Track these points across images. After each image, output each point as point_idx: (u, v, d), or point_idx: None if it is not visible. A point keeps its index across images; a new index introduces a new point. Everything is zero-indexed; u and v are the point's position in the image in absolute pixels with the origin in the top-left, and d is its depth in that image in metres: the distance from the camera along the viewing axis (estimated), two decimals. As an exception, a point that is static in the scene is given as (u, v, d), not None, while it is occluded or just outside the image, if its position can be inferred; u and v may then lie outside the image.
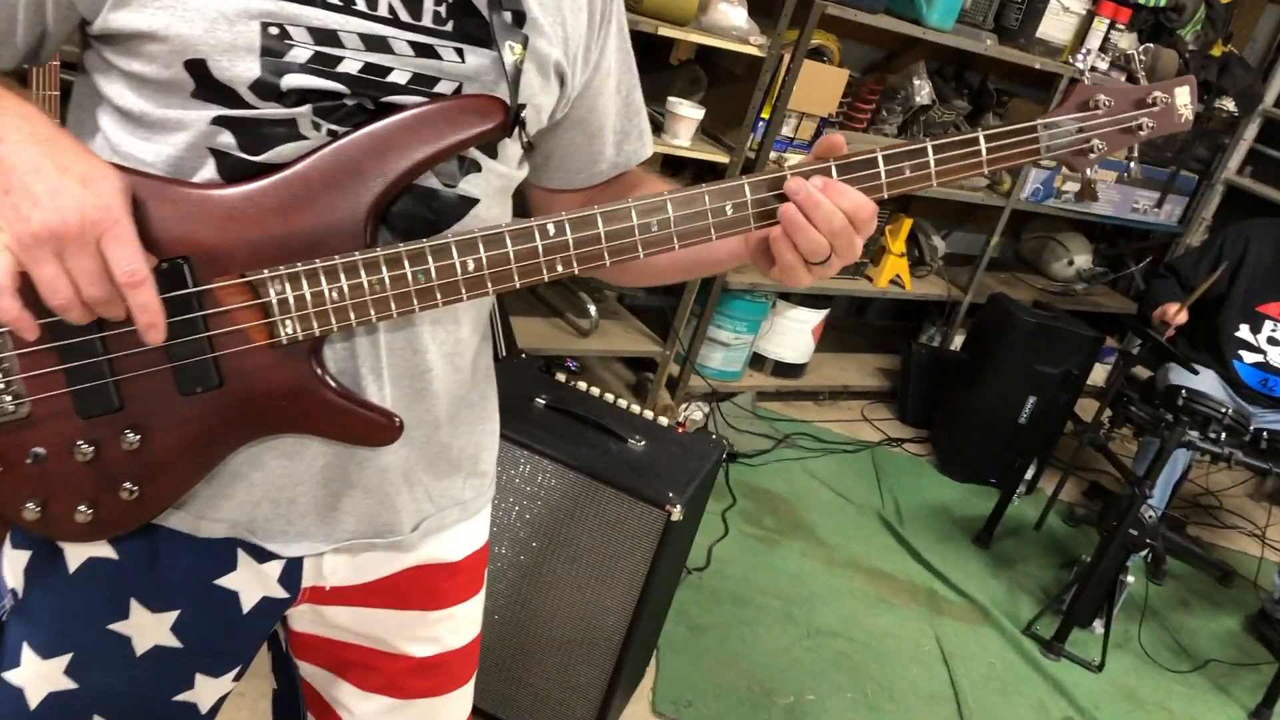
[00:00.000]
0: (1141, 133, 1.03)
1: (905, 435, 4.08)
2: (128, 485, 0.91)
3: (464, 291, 0.92)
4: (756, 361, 3.97)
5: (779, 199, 0.95)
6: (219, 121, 0.87)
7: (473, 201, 0.96)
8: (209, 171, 0.89)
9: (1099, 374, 4.72)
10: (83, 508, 0.91)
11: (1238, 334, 3.42)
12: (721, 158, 3.26)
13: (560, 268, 0.94)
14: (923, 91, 3.85)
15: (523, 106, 0.95)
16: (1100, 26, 3.99)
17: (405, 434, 0.96)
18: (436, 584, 1.09)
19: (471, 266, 0.91)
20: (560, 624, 2.04)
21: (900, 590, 3.10)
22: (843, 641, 2.78)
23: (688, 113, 3.09)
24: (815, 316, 3.94)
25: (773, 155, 3.44)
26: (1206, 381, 3.36)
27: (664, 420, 2.19)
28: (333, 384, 0.92)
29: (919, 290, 4.18)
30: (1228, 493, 4.43)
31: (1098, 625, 3.16)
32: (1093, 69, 4.03)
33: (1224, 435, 2.92)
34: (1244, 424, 2.97)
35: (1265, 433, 3.02)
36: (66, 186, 0.79)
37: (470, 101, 0.91)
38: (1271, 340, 3.40)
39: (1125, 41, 4.16)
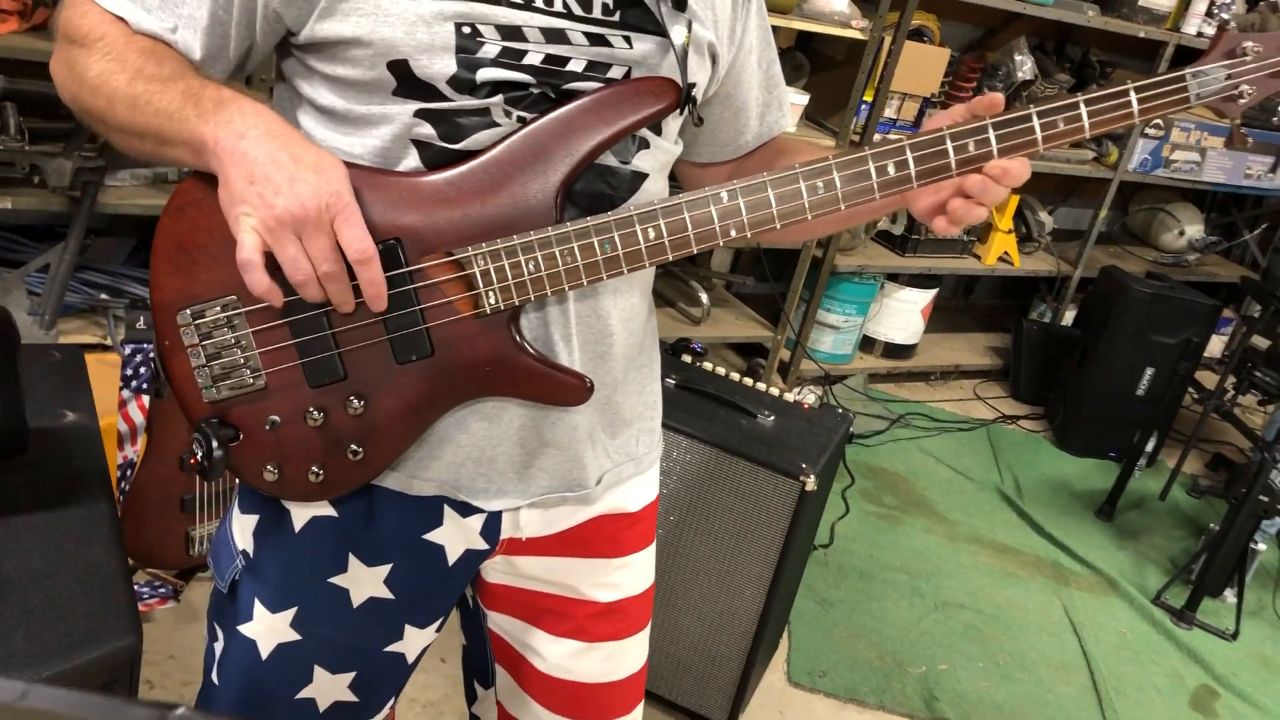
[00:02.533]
0: None
1: (1020, 413, 4.06)
2: (353, 447, 1.01)
3: (646, 259, 1.00)
4: (867, 344, 4.00)
5: (939, 156, 1.01)
6: (420, 115, 0.97)
7: (644, 176, 1.04)
8: (412, 160, 0.98)
9: (1215, 346, 4.63)
10: (315, 468, 1.01)
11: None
12: (827, 141, 3.31)
13: (734, 232, 1.01)
14: (1025, 67, 3.83)
15: (693, 85, 1.03)
16: (1206, -10, 3.93)
17: (592, 394, 1.04)
18: (618, 533, 1.17)
19: (653, 235, 0.99)
20: (699, 596, 2.11)
21: (1025, 563, 3.10)
22: (970, 614, 2.80)
23: (792, 99, 3.13)
24: (924, 297, 3.95)
25: (876, 137, 3.46)
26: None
27: (790, 397, 2.25)
28: (531, 350, 1.01)
29: (1027, 267, 4.16)
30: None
31: (1229, 594, 3.13)
32: (1199, 34, 3.98)
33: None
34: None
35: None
36: (303, 175, 0.89)
37: (645, 83, 0.99)
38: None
39: (1236, 4, 4.09)
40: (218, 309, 0.98)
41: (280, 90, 1.06)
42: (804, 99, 3.18)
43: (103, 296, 2.61)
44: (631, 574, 1.20)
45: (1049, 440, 3.91)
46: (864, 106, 3.40)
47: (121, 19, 0.96)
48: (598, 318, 1.06)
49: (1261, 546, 3.11)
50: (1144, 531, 3.42)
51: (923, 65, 3.50)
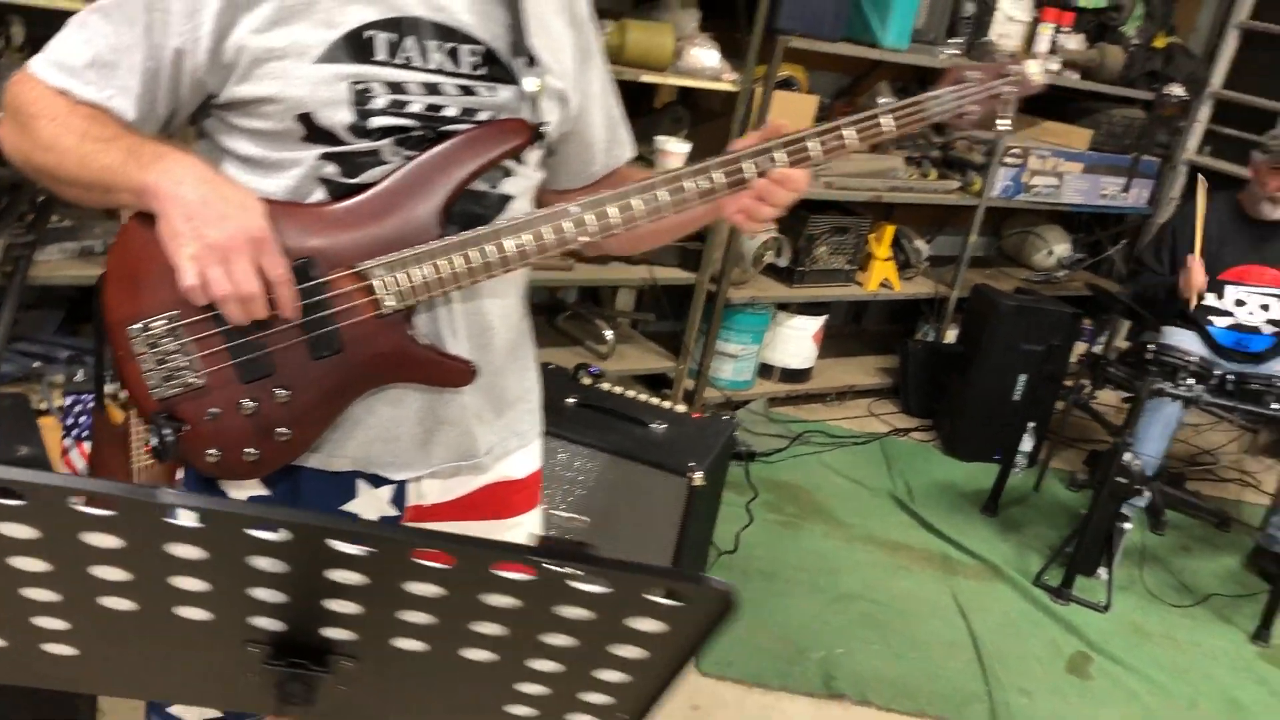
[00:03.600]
0: (1006, 96, 1.34)
1: (911, 425, 4.36)
2: (281, 430, 1.22)
3: (515, 264, 1.24)
4: (765, 370, 4.27)
5: (738, 173, 1.28)
6: (325, 157, 1.20)
7: (510, 198, 1.29)
8: (320, 193, 1.21)
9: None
10: (249, 449, 1.22)
11: (1205, 302, 3.70)
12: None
13: (584, 238, 1.25)
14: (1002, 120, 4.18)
15: (544, 124, 1.28)
16: (1046, 31, 4.34)
17: (476, 377, 1.27)
18: (507, 496, 1.40)
19: (519, 244, 1.23)
20: (609, 591, 2.33)
21: (916, 557, 3.37)
22: (866, 603, 3.05)
23: (674, 149, 3.43)
24: (814, 323, 4.25)
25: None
26: (1191, 343, 3.65)
27: (680, 408, 2.50)
28: (423, 342, 1.24)
29: (908, 290, 4.49)
30: (1224, 450, 4.68)
31: (1103, 572, 3.42)
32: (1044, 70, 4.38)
33: (1192, 382, 3.21)
34: (1208, 370, 3.25)
35: (1230, 375, 3.30)
36: (229, 212, 1.12)
37: (505, 124, 1.24)
38: (1238, 302, 3.68)
39: (1073, 42, 4.51)
40: (162, 322, 1.19)
41: (201, 145, 1.28)
42: (686, 148, 3.47)
43: (36, 365, 2.77)
44: (521, 533, 1.42)
45: (938, 448, 4.21)
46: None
47: (64, 91, 1.18)
48: (479, 315, 1.29)
49: (1128, 526, 3.41)
50: (1026, 523, 3.72)
51: (794, 112, 3.82)
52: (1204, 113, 5.09)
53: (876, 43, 3.87)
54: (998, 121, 1.40)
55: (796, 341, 4.25)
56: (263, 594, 0.62)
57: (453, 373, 1.26)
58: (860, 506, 3.62)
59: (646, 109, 3.76)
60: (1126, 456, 3.25)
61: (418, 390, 1.27)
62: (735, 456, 3.73)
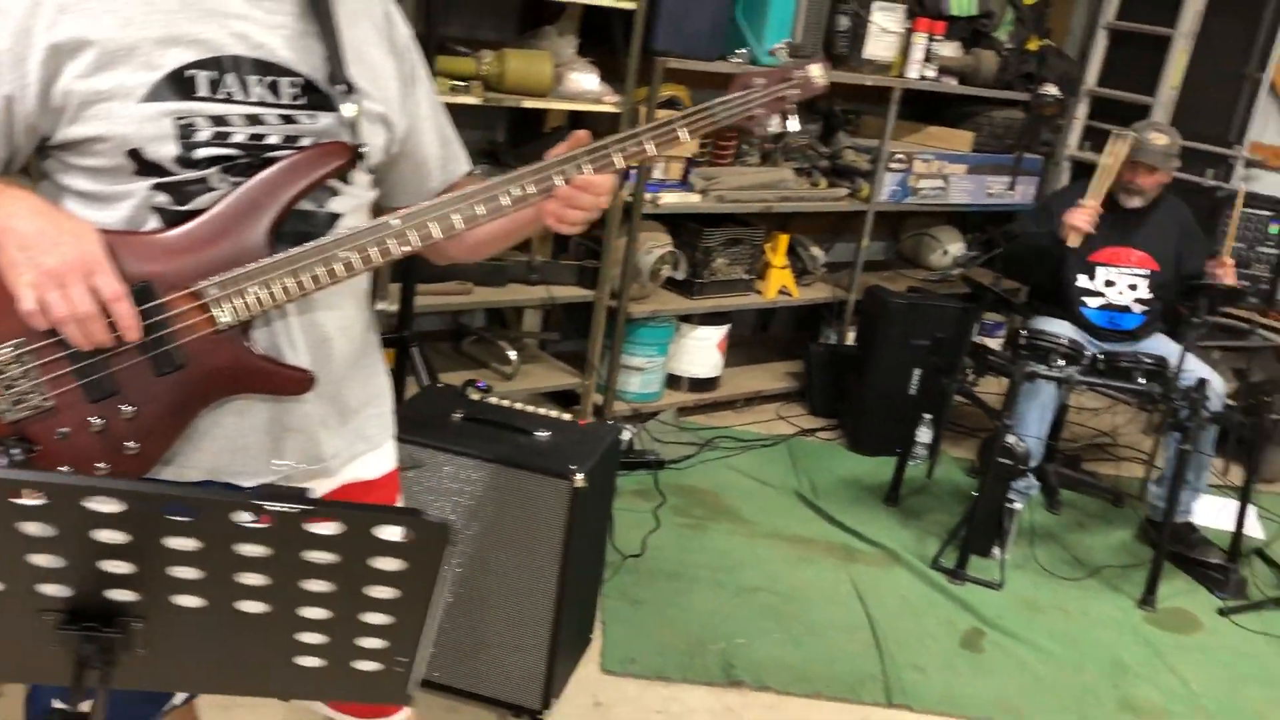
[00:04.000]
0: (790, 99, 1.48)
1: (817, 426, 4.51)
2: (130, 444, 1.30)
3: (343, 274, 1.34)
4: (673, 381, 4.39)
5: (547, 181, 1.39)
6: (156, 187, 1.29)
7: (338, 216, 1.39)
8: (154, 222, 1.30)
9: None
10: (100, 465, 1.30)
11: (1078, 284, 3.89)
12: (601, 203, 3.72)
13: (406, 247, 1.36)
14: (773, 123, 4.34)
15: (360, 146, 1.38)
16: (920, 41, 4.53)
17: (318, 386, 1.36)
18: (361, 496, 1.49)
19: (345, 256, 1.33)
20: (501, 595, 2.42)
21: (818, 549, 3.50)
22: (767, 595, 3.17)
23: (562, 169, 3.55)
24: (717, 333, 4.38)
25: (648, 196, 3.90)
26: (1064, 329, 3.83)
27: (568, 416, 2.60)
28: (260, 354, 1.33)
29: (807, 296, 4.65)
30: (1122, 430, 4.88)
31: (998, 552, 3.58)
32: (921, 77, 4.58)
33: (1063, 363, 3.38)
34: (1078, 351, 3.42)
35: (1100, 354, 3.48)
36: (63, 240, 1.21)
37: (326, 147, 1.34)
38: (1108, 283, 3.87)
39: (948, 49, 4.72)
40: (8, 350, 1.27)
41: (44, 185, 1.36)
42: (573, 168, 3.59)
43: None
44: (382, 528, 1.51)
45: (843, 446, 4.36)
46: (633, 172, 3.84)
47: None
48: (317, 327, 1.38)
49: (1017, 506, 3.57)
50: (925, 511, 3.87)
51: (680, 128, 3.96)
52: (1082, 110, 5.33)
53: (755, 60, 4.03)
54: (786, 122, 1.53)
55: (701, 351, 4.38)
56: (41, 560, 0.71)
57: (291, 382, 1.35)
58: (765, 505, 3.75)
59: (536, 133, 3.88)
60: (1010, 439, 3.41)
61: (263, 401, 1.36)
62: (644, 465, 3.85)
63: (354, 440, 1.48)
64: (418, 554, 0.71)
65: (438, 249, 1.46)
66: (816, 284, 4.78)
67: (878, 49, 4.45)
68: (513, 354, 3.81)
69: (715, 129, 1.48)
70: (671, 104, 4.02)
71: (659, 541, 3.36)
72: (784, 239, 4.49)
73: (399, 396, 3.00)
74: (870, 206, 4.61)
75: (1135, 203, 3.81)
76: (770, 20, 4.00)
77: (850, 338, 4.78)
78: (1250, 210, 4.67)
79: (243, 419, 1.36)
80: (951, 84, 4.76)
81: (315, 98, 1.35)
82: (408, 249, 1.36)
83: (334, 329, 1.41)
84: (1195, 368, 3.53)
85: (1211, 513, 3.89)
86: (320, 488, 1.46)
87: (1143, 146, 3.70)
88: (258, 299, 1.30)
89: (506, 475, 2.35)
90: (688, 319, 4.33)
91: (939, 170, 4.79)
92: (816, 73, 1.51)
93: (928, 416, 4.10)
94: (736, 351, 4.90)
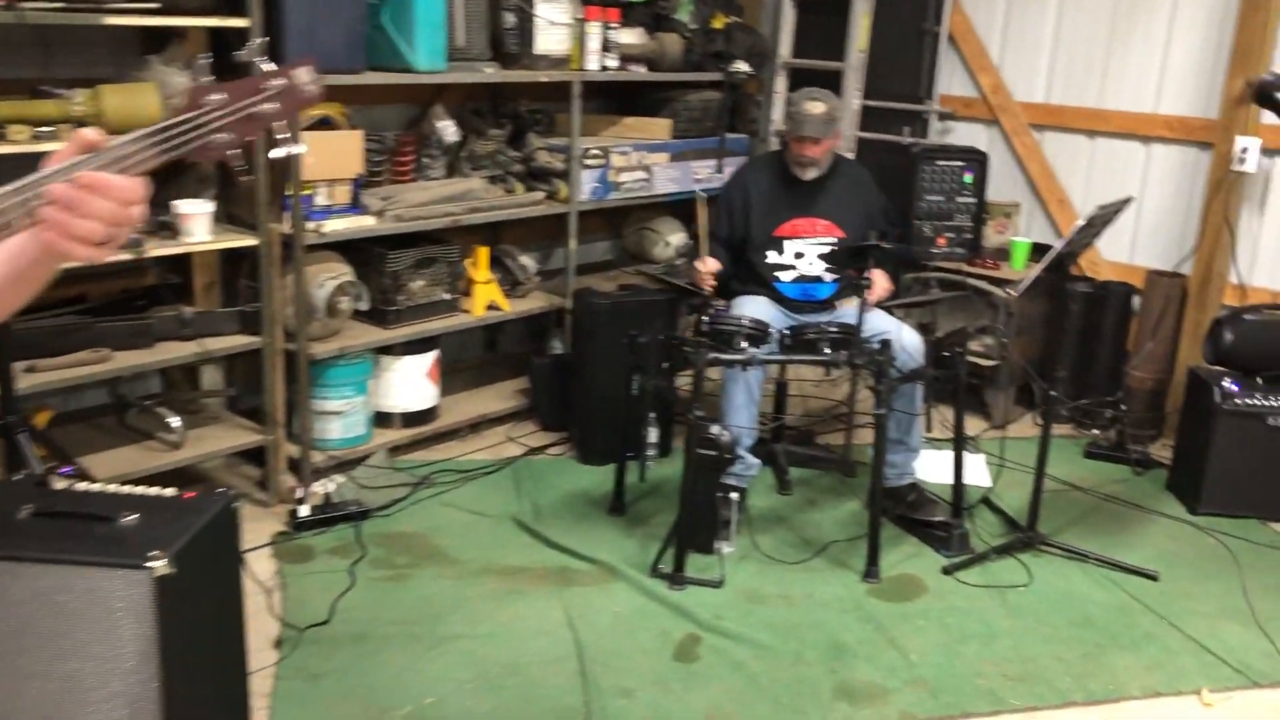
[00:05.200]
0: (268, 114, 1.22)
1: (548, 441, 4.29)
2: None
3: None
4: (383, 419, 4.10)
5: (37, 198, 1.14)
6: None
7: None
8: None
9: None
10: None
11: (769, 260, 3.79)
12: (250, 240, 3.40)
13: None
14: (449, 131, 4.11)
15: None
16: (594, 30, 4.37)
17: None
18: None
19: None
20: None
21: (532, 578, 3.27)
22: (467, 641, 2.92)
23: (190, 210, 3.22)
24: (424, 361, 4.11)
25: (311, 225, 3.59)
26: (760, 307, 3.73)
27: (170, 491, 2.28)
28: None
29: (522, 308, 4.42)
30: (860, 399, 4.86)
31: (724, 546, 3.43)
32: (603, 68, 4.43)
33: (745, 344, 3.26)
34: (762, 330, 3.31)
35: (786, 330, 3.38)
36: None
37: None
38: (798, 254, 3.79)
39: (628, 36, 4.58)
40: None
41: None
42: (207, 207, 3.26)
43: None
44: None
45: (573, 459, 4.16)
46: (289, 200, 3.52)
47: None
48: None
49: (734, 496, 3.44)
50: (652, 515, 3.70)
51: (336, 151, 3.68)
52: (781, 83, 5.30)
53: (410, 67, 3.78)
54: (284, 147, 1.28)
55: (409, 383, 4.10)
56: None
57: None
58: (479, 539, 3.50)
59: (168, 174, 3.52)
60: (713, 430, 3.26)
61: None
62: (344, 518, 3.55)
63: None
64: None
65: None
66: (533, 294, 4.57)
67: (550, 43, 4.26)
68: (175, 421, 3.44)
69: (156, 164, 1.21)
70: (325, 123, 3.73)
71: (351, 602, 3.06)
72: (484, 252, 4.25)
73: (2, 494, 2.61)
74: (571, 207, 4.43)
75: (810, 174, 3.75)
76: (419, 24, 3.75)
77: (573, 345, 4.58)
78: (944, 163, 4.71)
79: None
80: (640, 71, 4.63)
81: None
82: None
83: None
84: (883, 328, 3.47)
85: (940, 468, 3.86)
86: None
87: (800, 119, 3.63)
88: None
89: (71, 575, 2.02)
90: (388, 350, 4.04)
91: (639, 162, 4.65)
92: (305, 78, 1.25)
93: (653, 415, 3.93)
94: (459, 376, 4.65)
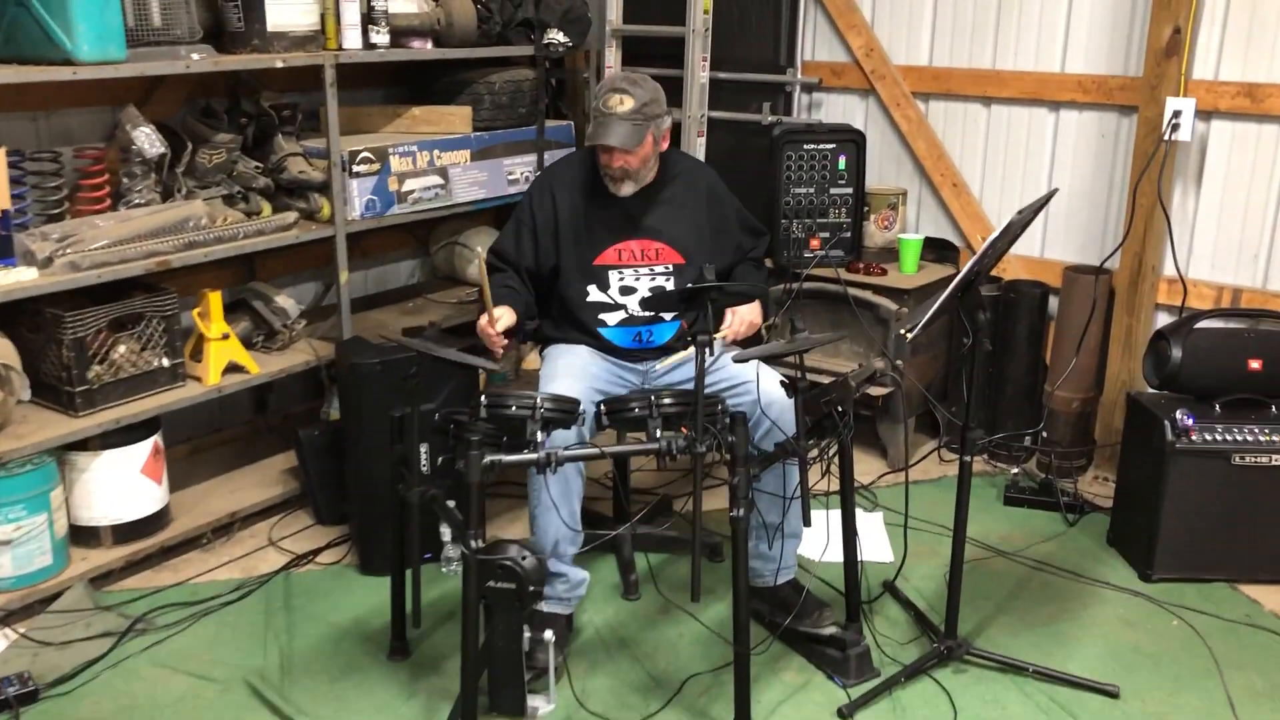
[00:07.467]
0: None
1: (322, 542, 3.27)
2: None
3: None
4: (86, 537, 3.02)
5: None
6: None
7: None
8: None
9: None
10: None
11: (590, 299, 2.83)
12: None
13: None
14: (147, 140, 3.03)
15: None
16: (351, -2, 3.33)
17: None
18: None
19: None
20: None
21: (257, 791, 2.26)
22: None
23: None
24: (135, 453, 3.04)
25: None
26: (578, 363, 2.76)
27: None
28: None
29: (282, 365, 3.37)
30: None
31: (541, 705, 2.47)
32: (371, 45, 3.39)
33: (542, 435, 2.28)
34: (572, 410, 2.32)
35: (601, 404, 2.41)
36: None
37: None
38: (624, 290, 2.84)
39: (401, 4, 3.55)
40: None
41: None
42: None
43: None
44: None
45: (352, 567, 3.14)
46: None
47: None
48: None
49: (549, 634, 2.46)
50: (452, 654, 2.71)
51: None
52: (613, 55, 4.32)
53: (72, 57, 2.70)
54: None
55: (117, 484, 3.03)
56: None
57: None
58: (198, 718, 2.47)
59: None
60: (509, 557, 2.29)
61: None
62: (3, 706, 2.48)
63: None
64: None
65: None
66: (297, 344, 3.52)
67: (289, 16, 3.20)
68: None
69: None
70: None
71: None
72: (215, 298, 3.19)
73: None
74: (338, 229, 3.38)
75: (626, 190, 2.78)
76: (73, 6, 2.67)
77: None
78: (812, 147, 3.80)
79: None
80: (422, 49, 3.60)
81: None
82: None
83: None
84: (741, 378, 2.54)
85: (829, 541, 2.93)
86: None
87: (602, 121, 2.68)
88: None
89: None
90: (83, 445, 2.96)
91: (431, 163, 3.63)
92: None
93: (451, 504, 2.93)
94: (205, 458, 3.60)
